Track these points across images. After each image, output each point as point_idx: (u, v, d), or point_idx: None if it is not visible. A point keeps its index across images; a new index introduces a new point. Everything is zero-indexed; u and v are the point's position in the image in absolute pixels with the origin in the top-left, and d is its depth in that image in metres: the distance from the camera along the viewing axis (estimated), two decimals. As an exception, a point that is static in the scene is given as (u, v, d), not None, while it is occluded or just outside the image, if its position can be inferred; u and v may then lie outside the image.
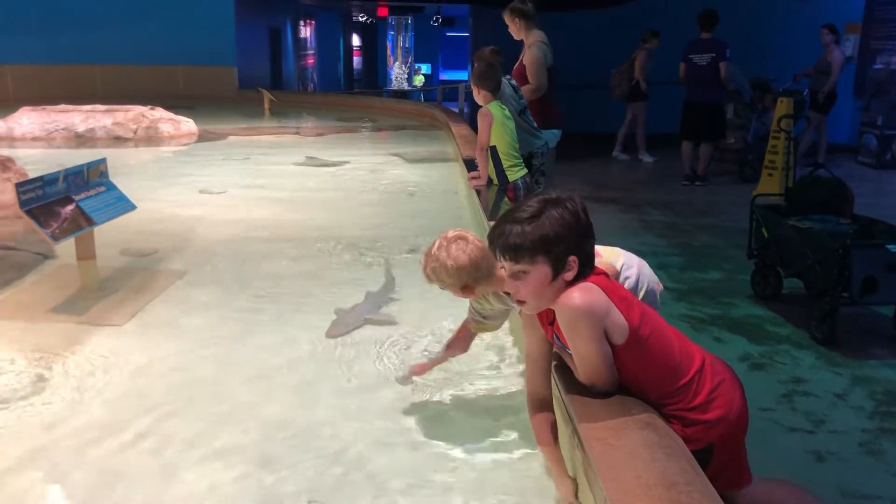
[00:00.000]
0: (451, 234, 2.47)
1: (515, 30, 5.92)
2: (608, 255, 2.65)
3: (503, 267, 1.99)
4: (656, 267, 5.80)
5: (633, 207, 8.43)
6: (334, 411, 2.76)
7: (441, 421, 2.68)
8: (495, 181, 5.09)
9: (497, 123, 4.86)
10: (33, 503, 2.25)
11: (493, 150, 4.95)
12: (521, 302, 1.99)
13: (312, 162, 8.32)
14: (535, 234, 1.90)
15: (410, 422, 2.67)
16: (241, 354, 3.27)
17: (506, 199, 4.76)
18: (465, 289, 2.46)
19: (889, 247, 4.15)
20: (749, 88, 9.89)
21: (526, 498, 2.21)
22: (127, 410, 2.77)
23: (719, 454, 2.02)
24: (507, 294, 2.39)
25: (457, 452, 2.46)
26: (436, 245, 2.46)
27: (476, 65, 5.06)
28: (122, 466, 2.40)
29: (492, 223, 2.18)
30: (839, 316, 4.27)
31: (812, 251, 4.38)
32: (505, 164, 4.96)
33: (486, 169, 5.09)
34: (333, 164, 8.12)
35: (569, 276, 1.93)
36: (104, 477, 2.35)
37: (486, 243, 2.21)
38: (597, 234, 2.89)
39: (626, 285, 2.54)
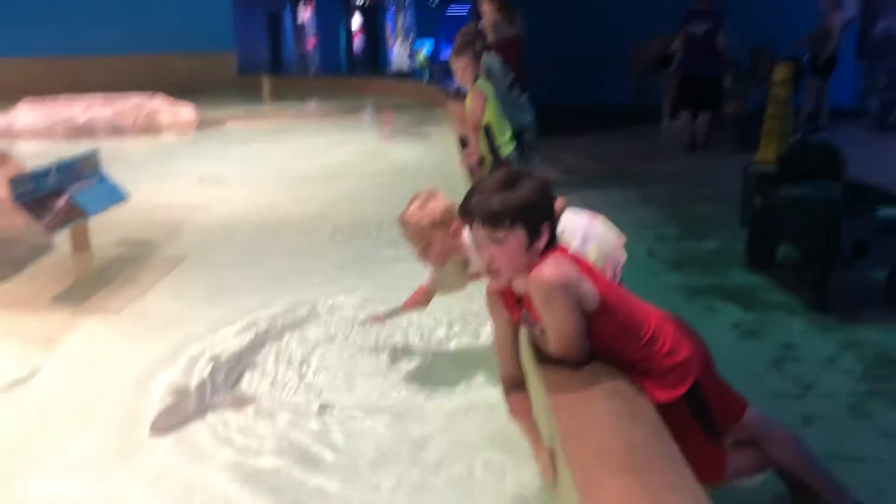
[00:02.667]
0: (424, 193, 2.77)
1: None
2: None
3: (475, 235, 2.03)
4: (653, 239, 5.87)
5: (632, 180, 8.41)
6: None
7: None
8: (487, 158, 5.11)
9: (489, 100, 4.91)
10: (30, 488, 2.31)
11: (486, 127, 4.99)
12: (494, 273, 2.02)
13: (310, 146, 8.36)
14: (513, 201, 1.96)
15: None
16: (236, 339, 3.32)
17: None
18: (441, 238, 2.68)
19: (879, 212, 4.14)
20: (746, 56, 9.82)
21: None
22: (122, 396, 2.83)
23: (710, 388, 2.08)
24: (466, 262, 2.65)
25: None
26: (414, 204, 2.74)
27: (459, 46, 5.10)
28: (123, 451, 2.47)
29: None
30: (831, 281, 4.28)
31: (803, 218, 4.38)
32: (497, 140, 5.01)
33: (479, 146, 5.12)
34: (332, 148, 8.14)
35: (541, 244, 1.99)
36: (103, 462, 2.41)
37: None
38: (596, 208, 2.96)
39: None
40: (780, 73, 8.07)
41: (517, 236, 1.97)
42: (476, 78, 4.93)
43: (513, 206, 1.97)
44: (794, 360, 3.72)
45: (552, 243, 2.02)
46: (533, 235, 1.98)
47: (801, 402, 3.34)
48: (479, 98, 4.91)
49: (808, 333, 4.02)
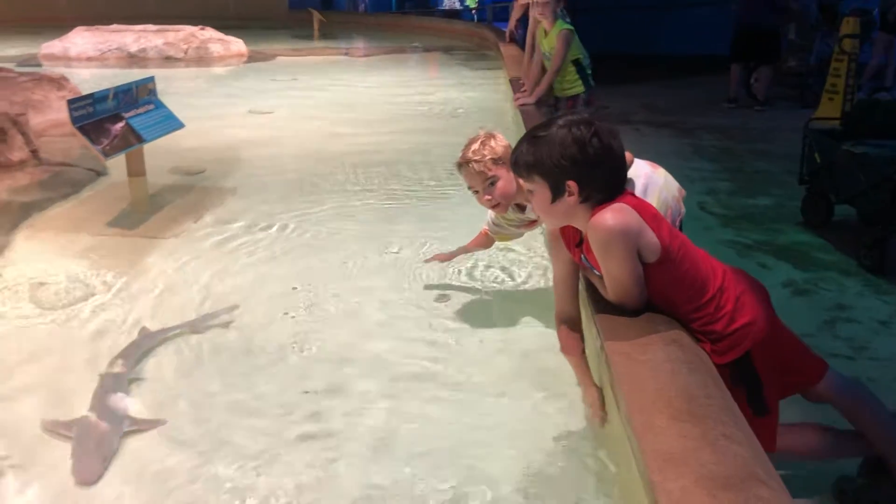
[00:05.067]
0: (482, 134, 2.69)
1: None
2: None
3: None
4: (704, 192, 5.76)
5: (687, 132, 8.22)
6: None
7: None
8: (572, 91, 5.10)
9: (575, 38, 4.93)
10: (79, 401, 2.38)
11: (577, 62, 4.99)
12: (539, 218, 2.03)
13: (359, 83, 8.30)
14: (530, 154, 1.94)
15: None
16: (283, 270, 3.36)
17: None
18: (505, 175, 2.59)
19: (946, 173, 3.99)
20: (814, 8, 9.43)
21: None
22: (171, 319, 2.89)
23: (761, 361, 2.00)
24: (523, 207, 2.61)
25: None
26: (474, 144, 2.65)
27: None
28: (167, 370, 2.53)
29: None
30: (889, 244, 4.16)
31: (865, 176, 4.24)
32: (588, 71, 5.07)
33: (544, 89, 5.09)
34: (380, 86, 8.08)
35: (571, 200, 1.92)
36: (148, 376, 2.47)
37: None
38: (646, 159, 2.89)
39: None
40: (848, 26, 7.75)
41: (539, 189, 1.95)
42: (555, 15, 4.87)
43: (527, 161, 1.95)
44: (847, 322, 3.64)
45: (617, 191, 1.96)
46: (556, 191, 1.92)
47: (853, 364, 3.28)
48: (567, 40, 4.88)
49: (863, 295, 3.93)
